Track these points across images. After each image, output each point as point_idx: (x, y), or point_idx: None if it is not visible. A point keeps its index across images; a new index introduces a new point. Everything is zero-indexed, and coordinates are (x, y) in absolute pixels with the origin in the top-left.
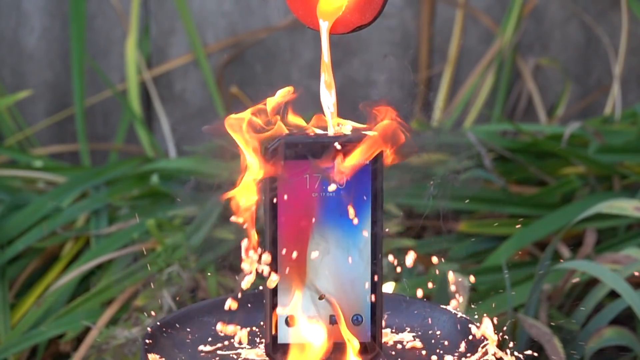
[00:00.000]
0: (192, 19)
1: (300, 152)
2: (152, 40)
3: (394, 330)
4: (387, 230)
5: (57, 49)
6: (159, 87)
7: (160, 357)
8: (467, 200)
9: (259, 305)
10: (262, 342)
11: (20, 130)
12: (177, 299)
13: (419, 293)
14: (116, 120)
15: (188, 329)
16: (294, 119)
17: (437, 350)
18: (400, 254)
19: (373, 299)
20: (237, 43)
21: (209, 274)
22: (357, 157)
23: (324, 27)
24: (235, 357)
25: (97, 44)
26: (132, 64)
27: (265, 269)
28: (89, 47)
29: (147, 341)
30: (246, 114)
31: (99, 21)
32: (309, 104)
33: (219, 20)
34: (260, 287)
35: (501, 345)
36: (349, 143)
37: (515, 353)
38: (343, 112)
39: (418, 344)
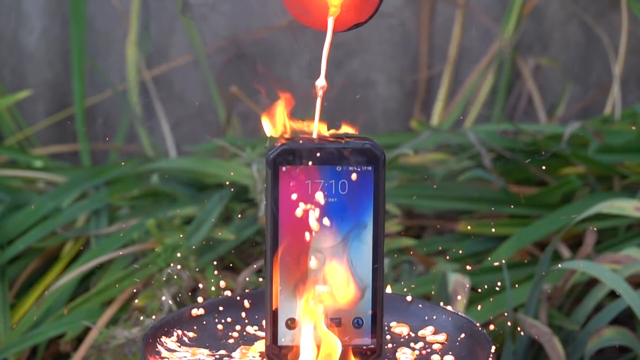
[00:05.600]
0: (192, 18)
1: (301, 157)
2: (152, 40)
3: (394, 331)
4: (398, 232)
5: (57, 49)
6: (159, 87)
7: (160, 358)
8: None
9: (260, 306)
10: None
11: (20, 130)
12: (178, 299)
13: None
14: (116, 120)
15: (188, 329)
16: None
17: (438, 350)
18: (400, 253)
19: (374, 302)
20: (237, 43)
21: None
22: None
23: (331, 23)
24: (235, 357)
25: (97, 44)
26: (132, 64)
27: (267, 271)
28: (89, 47)
29: (147, 341)
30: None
31: (99, 21)
32: (309, 104)
33: (219, 20)
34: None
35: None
36: (349, 148)
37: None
38: (343, 112)
39: (418, 344)
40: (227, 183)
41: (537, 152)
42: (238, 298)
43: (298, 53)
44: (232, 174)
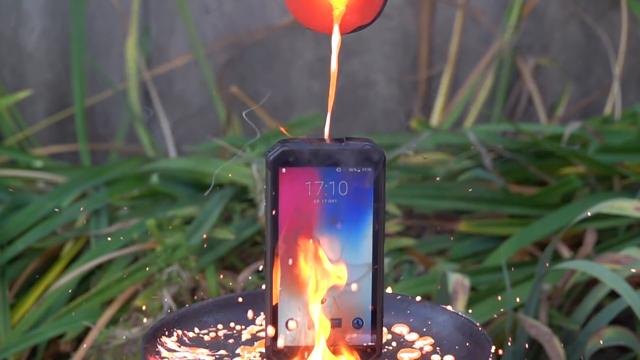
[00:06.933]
0: (192, 18)
1: (301, 159)
2: (152, 40)
3: (394, 331)
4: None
5: (57, 49)
6: (159, 87)
7: (160, 358)
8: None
9: (260, 306)
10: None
11: (20, 130)
12: (178, 299)
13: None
14: (116, 120)
15: (188, 329)
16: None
17: (438, 351)
18: (400, 253)
19: (374, 302)
20: (237, 43)
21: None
22: None
23: (336, 31)
24: (235, 357)
25: (97, 44)
26: (132, 64)
27: (267, 272)
28: (89, 47)
29: (147, 341)
30: None
31: (99, 21)
32: (309, 104)
33: (219, 20)
34: (262, 287)
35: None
36: (349, 149)
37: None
38: (343, 112)
39: (419, 344)
40: (214, 184)
41: (538, 152)
42: (238, 298)
43: (298, 53)
44: (229, 173)
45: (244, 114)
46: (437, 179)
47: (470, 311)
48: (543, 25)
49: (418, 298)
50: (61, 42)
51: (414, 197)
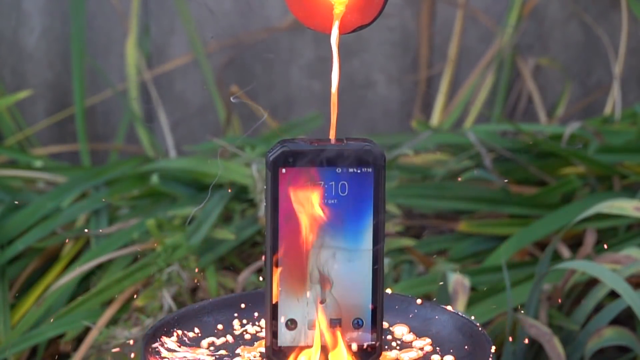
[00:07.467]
0: (192, 18)
1: (301, 159)
2: (152, 40)
3: (394, 331)
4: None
5: (57, 49)
6: (159, 87)
7: (160, 358)
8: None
9: (260, 306)
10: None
11: (20, 130)
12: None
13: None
14: (116, 120)
15: (188, 329)
16: None
17: (438, 350)
18: (400, 253)
19: (374, 302)
20: (237, 43)
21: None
22: None
23: (335, 29)
24: (235, 357)
25: (97, 44)
26: (132, 64)
27: (267, 272)
28: (89, 47)
29: (147, 341)
30: None
31: (99, 21)
32: (309, 104)
33: (219, 20)
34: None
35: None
36: (349, 150)
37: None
38: (343, 112)
39: (418, 344)
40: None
41: (538, 152)
42: (239, 298)
43: (298, 53)
44: (228, 179)
45: (232, 98)
46: (459, 179)
47: (473, 317)
48: (543, 25)
49: (419, 301)
50: (61, 42)
51: (414, 197)
